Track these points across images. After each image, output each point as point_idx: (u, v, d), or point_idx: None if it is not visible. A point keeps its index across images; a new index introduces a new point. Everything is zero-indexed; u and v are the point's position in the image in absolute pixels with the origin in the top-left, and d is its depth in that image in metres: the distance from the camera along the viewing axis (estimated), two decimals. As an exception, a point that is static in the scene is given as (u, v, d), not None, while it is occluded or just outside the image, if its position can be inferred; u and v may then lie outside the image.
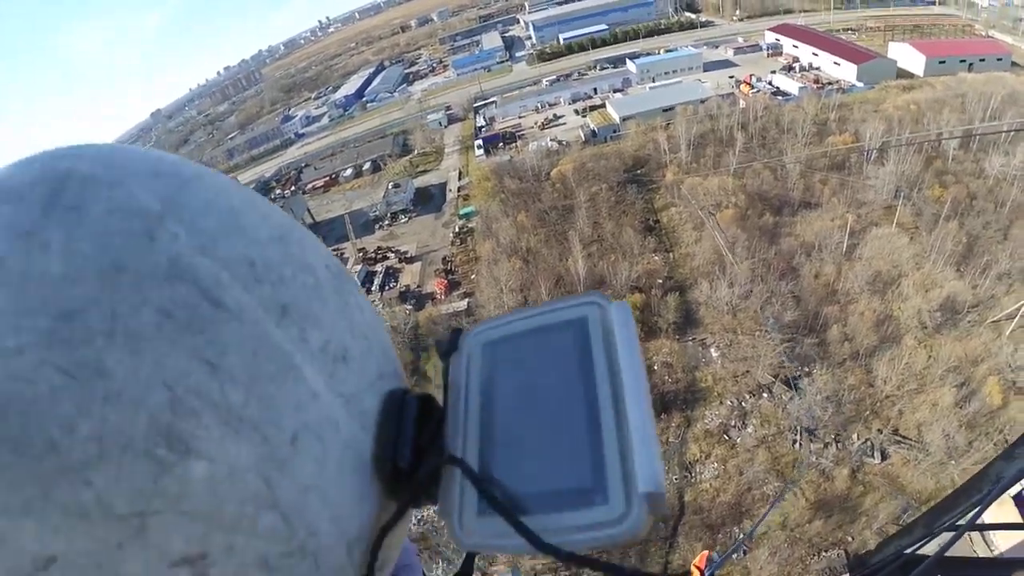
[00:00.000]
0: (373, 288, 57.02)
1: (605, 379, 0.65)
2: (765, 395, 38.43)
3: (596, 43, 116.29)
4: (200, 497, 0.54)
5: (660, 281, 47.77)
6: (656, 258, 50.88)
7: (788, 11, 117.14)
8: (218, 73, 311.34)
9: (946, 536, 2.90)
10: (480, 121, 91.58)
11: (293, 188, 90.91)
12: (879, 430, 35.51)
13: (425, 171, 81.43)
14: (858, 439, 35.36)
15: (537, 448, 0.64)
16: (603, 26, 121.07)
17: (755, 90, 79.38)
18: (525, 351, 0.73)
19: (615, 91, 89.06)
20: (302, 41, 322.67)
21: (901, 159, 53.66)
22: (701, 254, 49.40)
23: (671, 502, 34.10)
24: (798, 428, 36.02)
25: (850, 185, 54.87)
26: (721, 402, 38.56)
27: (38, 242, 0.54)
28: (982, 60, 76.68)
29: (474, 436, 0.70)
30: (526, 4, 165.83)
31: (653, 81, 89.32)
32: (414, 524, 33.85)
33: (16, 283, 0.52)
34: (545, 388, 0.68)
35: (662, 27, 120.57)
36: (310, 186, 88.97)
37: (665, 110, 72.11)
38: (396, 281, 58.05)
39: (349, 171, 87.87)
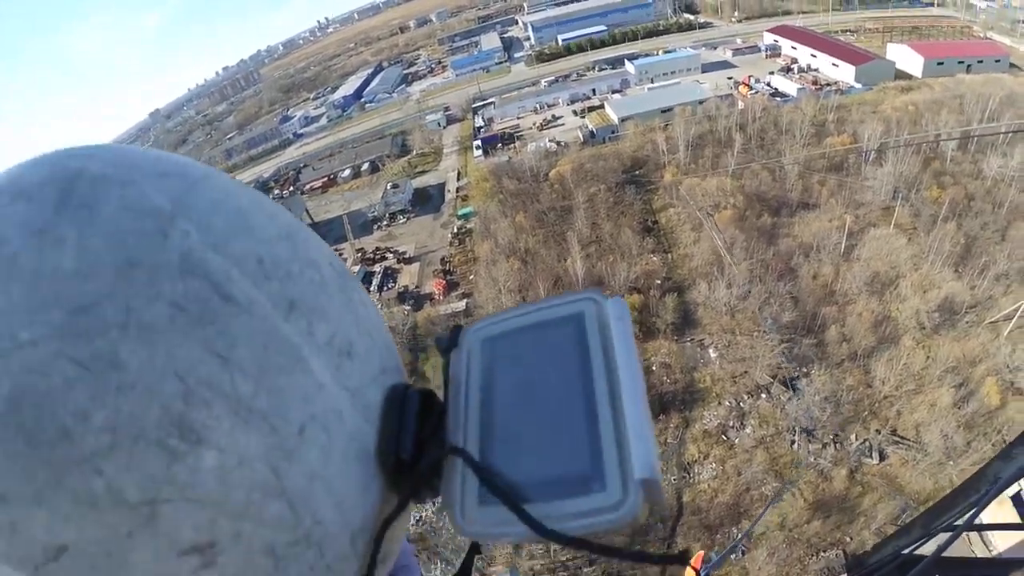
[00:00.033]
0: (371, 289, 56.87)
1: (602, 372, 0.67)
2: (763, 396, 38.44)
3: (595, 44, 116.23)
4: (210, 485, 0.55)
5: (658, 282, 47.76)
6: (654, 259, 50.87)
7: (786, 12, 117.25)
8: (217, 73, 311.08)
9: (944, 536, 2.90)
10: (479, 122, 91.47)
11: (291, 188, 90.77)
12: (877, 430, 35.54)
13: (424, 172, 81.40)
14: (856, 439, 35.37)
15: (536, 439, 0.65)
16: (602, 27, 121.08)
17: (753, 91, 79.42)
18: (524, 346, 0.75)
19: (614, 92, 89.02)
20: (301, 41, 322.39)
21: (899, 160, 53.69)
22: (699, 255, 49.40)
23: (670, 503, 34.07)
24: (796, 429, 36.02)
25: (848, 186, 54.89)
26: (719, 403, 38.57)
27: (51, 239, 0.55)
28: (980, 61, 76.73)
29: (474, 429, 0.71)
30: (525, 5, 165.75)
31: (652, 82, 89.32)
32: (412, 525, 33.87)
33: (30, 279, 0.53)
34: (543, 382, 0.70)
35: (661, 28, 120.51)
36: (308, 187, 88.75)
37: (663, 111, 72.05)
38: (394, 282, 57.99)
39: (347, 172, 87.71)
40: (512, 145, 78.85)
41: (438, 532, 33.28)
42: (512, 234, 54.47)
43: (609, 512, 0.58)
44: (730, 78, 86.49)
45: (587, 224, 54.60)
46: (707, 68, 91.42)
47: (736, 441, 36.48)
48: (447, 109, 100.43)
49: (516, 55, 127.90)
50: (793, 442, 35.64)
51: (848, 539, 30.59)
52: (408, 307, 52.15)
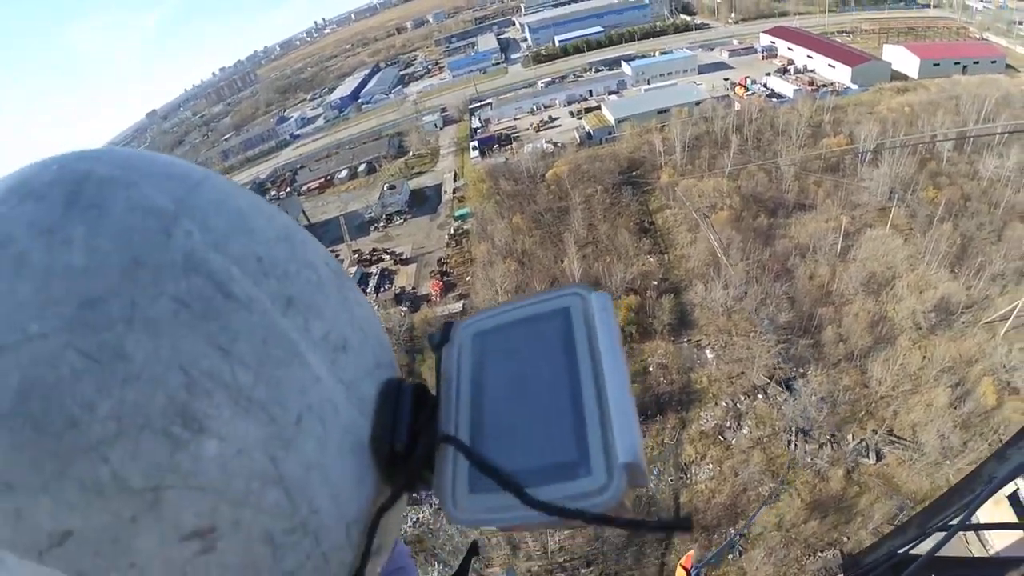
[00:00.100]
0: (368, 290, 56.82)
1: (587, 362, 0.69)
2: (760, 396, 38.45)
3: (591, 45, 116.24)
4: (212, 473, 0.57)
5: (655, 283, 47.78)
6: (651, 260, 50.90)
7: (783, 14, 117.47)
8: (213, 74, 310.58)
9: (939, 536, 2.88)
10: (475, 123, 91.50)
11: (288, 189, 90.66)
12: (874, 430, 35.57)
13: (420, 173, 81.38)
14: (853, 440, 35.40)
15: (525, 429, 0.68)
16: (598, 28, 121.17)
17: (750, 92, 79.55)
18: (513, 340, 0.77)
19: (610, 93, 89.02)
20: (298, 42, 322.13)
21: (895, 161, 53.78)
22: (696, 256, 49.43)
23: (667, 503, 34.08)
24: (793, 429, 36.04)
25: (844, 187, 54.97)
26: (716, 403, 38.57)
27: (60, 237, 0.57)
28: (976, 62, 76.88)
29: (465, 420, 0.74)
30: (522, 6, 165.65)
31: (648, 83, 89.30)
32: (410, 527, 33.87)
33: (40, 276, 0.56)
34: (532, 373, 0.72)
35: (657, 29, 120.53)
36: (305, 187, 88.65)
37: (660, 112, 72.02)
38: (391, 283, 57.94)
39: (344, 173, 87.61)
40: (509, 146, 78.84)
41: (435, 534, 33.25)
42: (509, 235, 54.44)
43: (595, 496, 0.60)
44: (727, 79, 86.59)
45: (584, 225, 54.61)
46: (704, 69, 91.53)
47: (733, 442, 36.49)
48: (444, 110, 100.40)
49: (513, 56, 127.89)
50: (790, 442, 35.66)
51: (845, 539, 30.60)
52: (405, 308, 52.10)
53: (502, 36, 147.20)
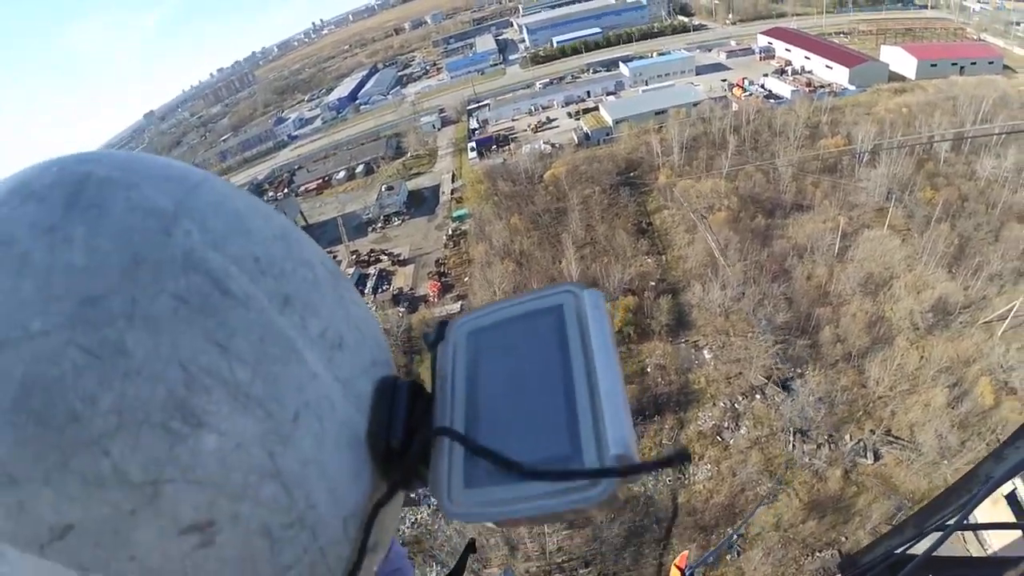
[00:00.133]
0: (366, 291, 56.76)
1: (579, 358, 0.70)
2: (758, 396, 38.48)
3: (589, 46, 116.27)
4: (210, 467, 0.59)
5: (653, 283, 47.78)
6: (649, 260, 50.90)
7: (781, 15, 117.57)
8: (211, 75, 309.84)
9: (936, 536, 2.87)
10: (473, 124, 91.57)
11: (286, 190, 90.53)
12: (872, 431, 35.60)
13: (418, 174, 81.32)
14: (851, 440, 35.43)
15: (519, 423, 0.69)
16: (596, 29, 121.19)
17: (747, 93, 79.62)
18: (507, 337, 0.79)
19: (608, 94, 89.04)
20: (295, 43, 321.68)
21: (893, 161, 53.85)
22: (694, 256, 49.46)
23: (665, 504, 34.08)
24: (791, 429, 36.06)
25: (842, 187, 55.05)
26: (714, 404, 38.59)
27: (61, 237, 0.59)
28: (973, 63, 77.01)
29: (460, 416, 0.75)
30: (520, 7, 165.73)
31: (646, 84, 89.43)
32: (408, 528, 33.83)
33: (42, 274, 0.57)
34: (525, 370, 0.74)
35: (655, 30, 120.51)
36: (303, 188, 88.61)
37: (658, 113, 72.05)
38: (389, 284, 57.94)
39: (342, 173, 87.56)
40: (507, 147, 78.88)
41: (434, 535, 33.24)
42: (507, 236, 54.42)
43: (588, 489, 0.61)
44: (724, 80, 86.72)
45: (582, 226, 54.61)
46: (701, 70, 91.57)
47: (731, 442, 36.51)
48: (442, 111, 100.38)
49: (511, 57, 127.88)
50: (788, 443, 35.67)
51: (843, 539, 30.63)
52: (403, 309, 52.07)
53: (500, 37, 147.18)
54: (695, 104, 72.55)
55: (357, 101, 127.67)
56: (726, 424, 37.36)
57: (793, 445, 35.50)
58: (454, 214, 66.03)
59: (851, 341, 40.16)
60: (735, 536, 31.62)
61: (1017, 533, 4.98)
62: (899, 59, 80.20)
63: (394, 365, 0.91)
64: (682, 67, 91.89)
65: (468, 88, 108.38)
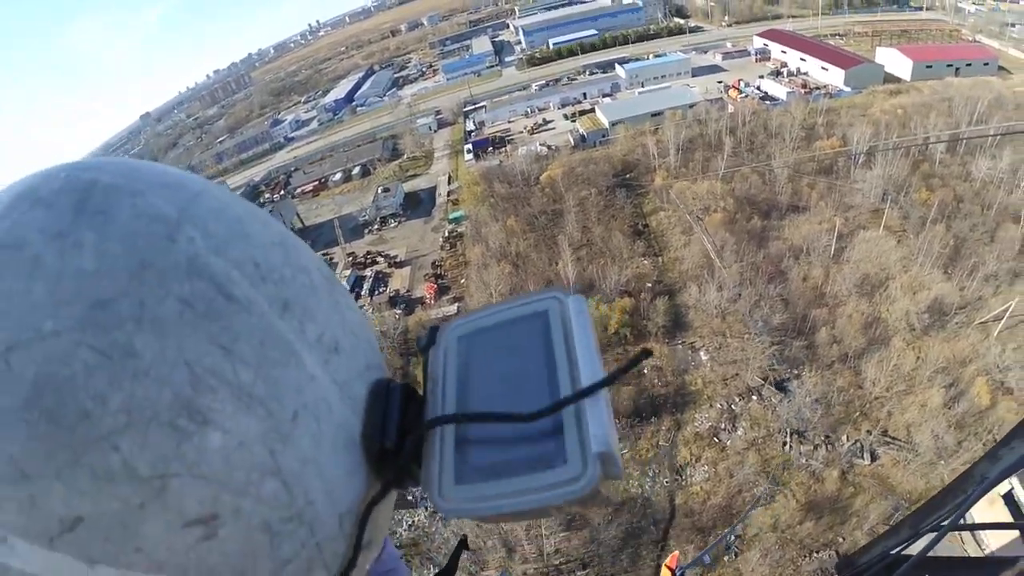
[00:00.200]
0: (363, 292, 56.78)
1: (564, 360, 0.73)
2: (755, 398, 38.52)
3: (585, 48, 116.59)
4: (215, 463, 0.61)
5: (649, 285, 47.84)
6: (645, 262, 50.98)
7: (776, 16, 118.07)
8: (207, 76, 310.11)
9: (932, 536, 2.85)
10: (470, 125, 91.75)
11: (282, 192, 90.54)
12: (868, 431, 35.64)
13: (415, 175, 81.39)
14: (848, 440, 35.48)
15: (507, 424, 0.71)
16: (592, 31, 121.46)
17: (743, 95, 79.86)
18: (495, 341, 0.82)
19: (604, 96, 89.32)
20: (292, 45, 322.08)
21: (888, 163, 54.00)
22: (690, 258, 49.52)
23: (662, 505, 34.08)
24: (788, 430, 36.08)
25: (838, 189, 55.19)
26: (711, 405, 38.61)
27: (71, 242, 0.61)
28: (969, 65, 77.35)
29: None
30: (516, 9, 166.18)
31: (642, 86, 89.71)
32: (405, 530, 33.80)
33: (53, 278, 0.59)
34: (513, 372, 0.77)
35: (651, 32, 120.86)
36: (299, 190, 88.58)
37: (654, 115, 72.25)
38: (385, 286, 57.87)
39: (338, 175, 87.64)
40: (503, 149, 79.00)
41: (431, 537, 33.19)
42: (503, 238, 54.43)
43: (571, 484, 0.64)
44: (720, 82, 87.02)
45: (578, 228, 54.65)
46: (697, 72, 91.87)
47: (728, 443, 36.52)
48: (438, 113, 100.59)
49: (507, 59, 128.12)
50: (785, 444, 35.70)
51: (841, 539, 30.65)
52: (399, 311, 51.97)
53: (496, 39, 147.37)
54: (691, 106, 72.79)
55: (353, 103, 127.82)
56: (723, 425, 37.36)
57: (790, 446, 35.52)
58: (450, 216, 66.05)
59: (847, 342, 40.22)
60: (732, 537, 31.63)
61: (1014, 533, 4.97)
62: (894, 61, 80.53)
63: (387, 368, 0.92)
64: (678, 69, 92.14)
65: (464, 90, 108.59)
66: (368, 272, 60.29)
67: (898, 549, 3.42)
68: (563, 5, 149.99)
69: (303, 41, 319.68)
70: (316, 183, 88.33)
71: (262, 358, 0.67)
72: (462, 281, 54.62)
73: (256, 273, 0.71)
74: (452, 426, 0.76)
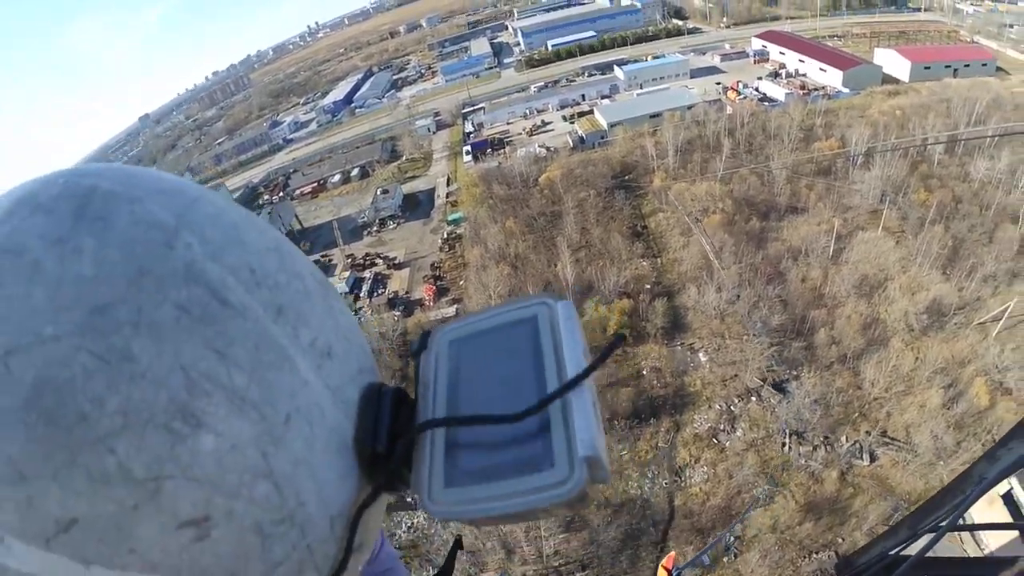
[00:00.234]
0: (362, 294, 56.77)
1: (552, 365, 0.74)
2: (754, 399, 38.52)
3: (584, 50, 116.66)
4: (208, 466, 0.62)
5: (648, 286, 47.87)
6: (644, 263, 51.02)
7: (775, 18, 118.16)
8: (206, 78, 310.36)
9: (930, 537, 2.85)
10: (468, 127, 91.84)
11: (281, 194, 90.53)
12: (867, 432, 35.64)
13: (413, 177, 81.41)
14: (847, 441, 35.47)
15: (496, 427, 0.71)
16: (591, 33, 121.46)
17: (742, 96, 79.95)
18: (485, 346, 0.83)
19: (603, 97, 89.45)
20: (291, 46, 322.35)
21: (887, 164, 54.06)
22: (689, 259, 49.55)
23: (661, 506, 34.06)
24: (787, 431, 36.08)
25: (836, 190, 55.26)
26: (710, 406, 38.60)
27: (71, 248, 0.62)
28: (967, 65, 77.43)
29: None
30: (515, 11, 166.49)
31: (641, 87, 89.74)
32: (404, 532, 33.77)
33: (53, 283, 0.60)
34: (502, 377, 0.78)
35: (650, 34, 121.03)
36: (298, 192, 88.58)
37: (652, 116, 72.39)
38: (384, 287, 57.84)
39: (337, 177, 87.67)
40: (502, 150, 79.01)
41: (430, 539, 33.17)
42: (502, 239, 54.45)
43: (558, 487, 0.65)
44: (719, 83, 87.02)
45: (577, 229, 54.67)
46: (696, 73, 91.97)
47: (727, 444, 36.50)
48: (437, 114, 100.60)
49: (506, 61, 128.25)
50: (784, 444, 35.70)
51: (840, 540, 30.65)
52: (398, 313, 51.93)
53: (495, 40, 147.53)
54: (690, 107, 72.85)
55: (352, 104, 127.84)
56: (722, 426, 37.36)
57: (789, 447, 35.52)
58: (449, 218, 66.06)
59: (846, 343, 40.24)
60: (730, 538, 31.62)
61: (1014, 533, 4.97)
62: (893, 62, 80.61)
63: (379, 372, 0.93)
64: (677, 70, 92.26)
65: (463, 92, 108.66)
66: (367, 274, 60.27)
67: (897, 550, 3.42)
68: (562, 7, 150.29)
69: (302, 43, 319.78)
70: (315, 185, 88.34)
71: (256, 362, 0.68)
72: (461, 283, 54.63)
73: (251, 279, 0.72)
74: (442, 430, 0.77)
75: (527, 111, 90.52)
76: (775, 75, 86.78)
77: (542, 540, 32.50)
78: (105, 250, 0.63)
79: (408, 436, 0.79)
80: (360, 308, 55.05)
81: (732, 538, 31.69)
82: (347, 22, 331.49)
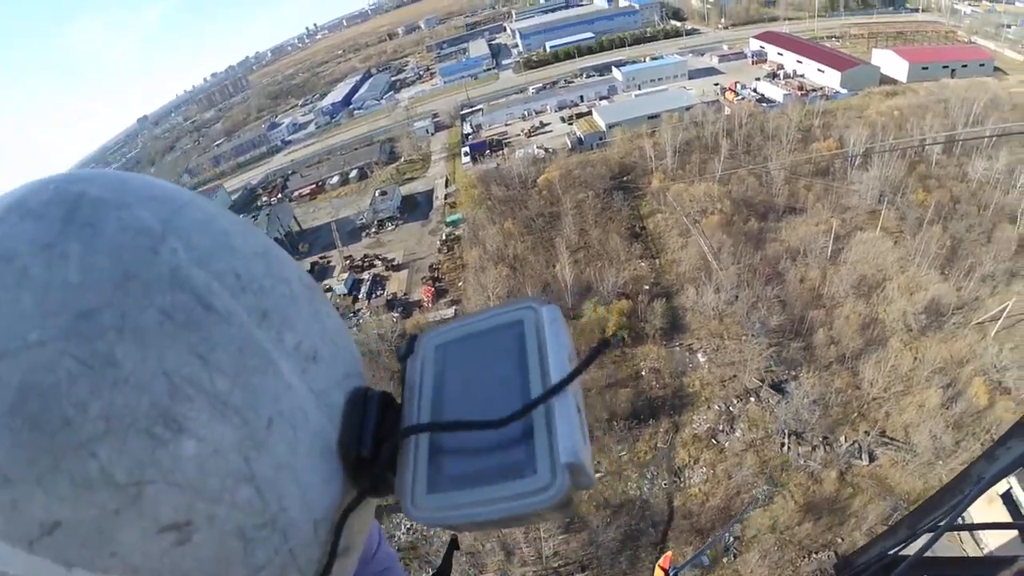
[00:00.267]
0: (360, 296, 56.76)
1: (537, 371, 0.74)
2: (752, 399, 38.50)
3: (582, 51, 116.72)
4: (189, 470, 0.62)
5: (647, 287, 47.87)
6: (643, 264, 51.03)
7: (773, 19, 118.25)
8: (205, 79, 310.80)
9: (929, 536, 2.85)
10: (467, 128, 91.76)
11: (280, 195, 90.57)
12: (866, 432, 35.63)
13: (412, 178, 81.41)
14: (846, 441, 35.46)
15: (479, 433, 0.71)
16: (589, 34, 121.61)
17: (740, 97, 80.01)
18: (471, 351, 0.82)
19: (601, 98, 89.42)
20: (289, 48, 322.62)
21: (885, 164, 54.12)
22: (687, 260, 49.57)
23: (661, 507, 34.05)
24: (786, 432, 36.08)
25: (834, 190, 55.30)
26: (709, 407, 38.59)
27: (58, 253, 0.63)
28: (964, 66, 77.52)
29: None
30: (513, 12, 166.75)
31: (639, 88, 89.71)
32: (403, 533, 33.74)
33: (40, 288, 0.61)
34: (487, 382, 0.78)
35: (648, 35, 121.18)
36: (296, 193, 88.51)
37: (651, 117, 72.46)
38: (383, 289, 57.81)
39: (336, 178, 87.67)
40: (500, 152, 78.98)
41: (429, 541, 33.14)
42: (500, 241, 54.47)
43: (540, 494, 0.65)
44: (717, 84, 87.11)
45: (575, 230, 54.66)
46: (694, 74, 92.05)
47: (726, 445, 36.49)
48: (435, 116, 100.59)
49: (504, 62, 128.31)
50: (783, 445, 35.70)
51: (840, 540, 30.64)
52: (397, 314, 51.92)
53: (493, 42, 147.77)
54: (688, 108, 72.87)
55: (351, 106, 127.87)
56: (721, 427, 37.35)
57: (788, 447, 35.52)
58: (448, 219, 66.04)
59: (845, 343, 40.24)
60: (730, 538, 31.63)
61: (1013, 533, 4.97)
62: (890, 62, 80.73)
63: (365, 375, 0.93)
64: (675, 71, 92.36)
65: (462, 93, 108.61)
66: (366, 275, 60.24)
67: (896, 549, 3.43)
68: (560, 8, 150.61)
69: (300, 44, 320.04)
70: (313, 186, 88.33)
71: (239, 367, 0.68)
72: (460, 284, 54.62)
73: (237, 284, 0.72)
74: (427, 435, 0.76)
75: (525, 112, 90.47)
76: (773, 76, 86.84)
77: (541, 541, 32.47)
78: (92, 256, 0.63)
79: (392, 441, 0.79)
80: (359, 310, 55.06)
81: (732, 538, 31.70)
82: (346, 24, 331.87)
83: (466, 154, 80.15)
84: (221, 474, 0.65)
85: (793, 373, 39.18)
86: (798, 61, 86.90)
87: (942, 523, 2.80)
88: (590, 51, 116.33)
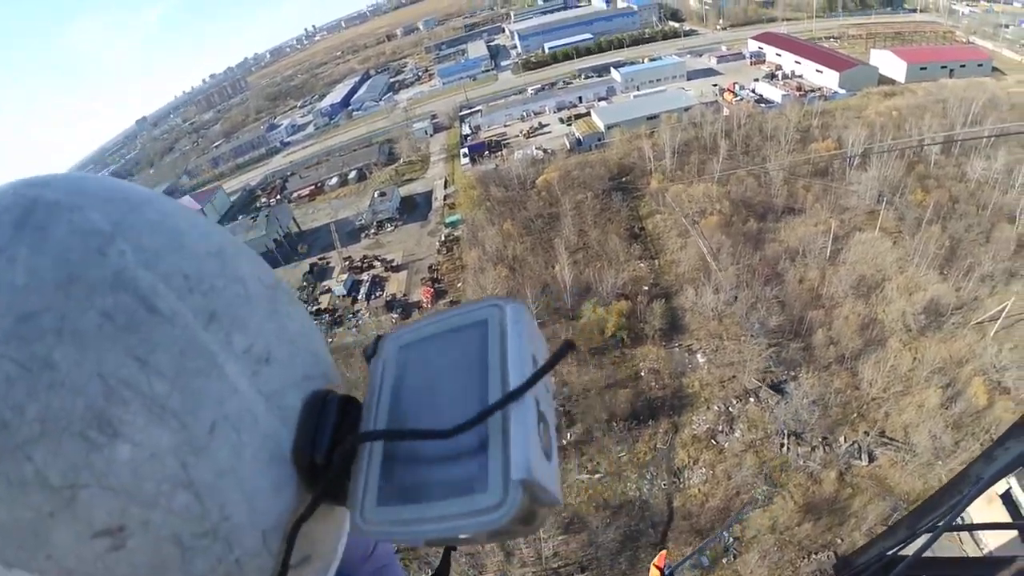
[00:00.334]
0: (359, 297, 56.76)
1: (497, 375, 0.68)
2: (752, 400, 38.49)
3: (581, 52, 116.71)
4: (123, 475, 0.61)
5: (646, 288, 47.87)
6: (642, 265, 51.04)
7: (771, 20, 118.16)
8: (204, 81, 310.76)
9: (928, 536, 2.85)
10: (466, 130, 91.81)
11: (278, 197, 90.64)
12: (866, 432, 35.62)
13: (411, 180, 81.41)
14: (845, 441, 35.44)
15: (432, 442, 0.67)
16: (588, 35, 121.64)
17: (738, 98, 79.97)
18: (433, 352, 0.77)
19: (600, 99, 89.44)
20: (288, 49, 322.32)
21: (883, 164, 54.14)
22: (686, 261, 49.57)
23: (660, 508, 34.03)
24: (785, 432, 36.07)
25: (833, 191, 55.32)
26: (708, 407, 38.58)
27: (6, 257, 0.64)
28: (963, 66, 77.53)
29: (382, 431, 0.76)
30: (511, 13, 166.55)
31: (638, 89, 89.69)
32: (402, 534, 33.63)
33: None
34: (446, 386, 0.73)
35: (646, 36, 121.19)
36: (295, 195, 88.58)
37: (649, 118, 72.47)
38: (382, 290, 57.80)
39: (335, 180, 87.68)
40: (499, 153, 79.00)
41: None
42: (500, 241, 54.47)
43: (491, 512, 0.60)
44: (715, 85, 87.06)
45: (574, 231, 54.67)
46: (692, 75, 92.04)
47: (725, 445, 36.46)
48: (434, 117, 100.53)
49: (503, 63, 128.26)
50: (782, 445, 35.69)
51: (839, 541, 30.62)
52: (396, 315, 51.94)
53: (492, 43, 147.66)
54: (686, 109, 72.85)
55: (349, 107, 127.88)
56: (720, 427, 37.33)
57: (787, 448, 35.50)
58: (447, 220, 66.03)
59: (844, 343, 40.24)
60: (729, 538, 31.61)
61: (1012, 533, 4.97)
62: (889, 63, 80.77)
63: (333, 378, 0.90)
64: (673, 72, 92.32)
65: (460, 94, 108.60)
66: (365, 276, 60.25)
67: (895, 549, 3.42)
68: (559, 9, 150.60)
69: (299, 46, 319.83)
70: (312, 187, 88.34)
71: (180, 369, 0.66)
72: (459, 285, 54.61)
73: (184, 285, 0.71)
74: (381, 442, 0.73)
75: (524, 113, 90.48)
76: (771, 76, 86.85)
77: (541, 542, 32.44)
78: (37, 259, 0.64)
79: (343, 446, 0.75)
80: (358, 311, 55.07)
81: (731, 539, 31.68)
82: (344, 25, 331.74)
83: (465, 155, 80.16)
84: (157, 479, 0.63)
85: (792, 373, 39.17)
86: (796, 62, 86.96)
87: (941, 523, 2.80)
88: (588, 52, 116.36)
